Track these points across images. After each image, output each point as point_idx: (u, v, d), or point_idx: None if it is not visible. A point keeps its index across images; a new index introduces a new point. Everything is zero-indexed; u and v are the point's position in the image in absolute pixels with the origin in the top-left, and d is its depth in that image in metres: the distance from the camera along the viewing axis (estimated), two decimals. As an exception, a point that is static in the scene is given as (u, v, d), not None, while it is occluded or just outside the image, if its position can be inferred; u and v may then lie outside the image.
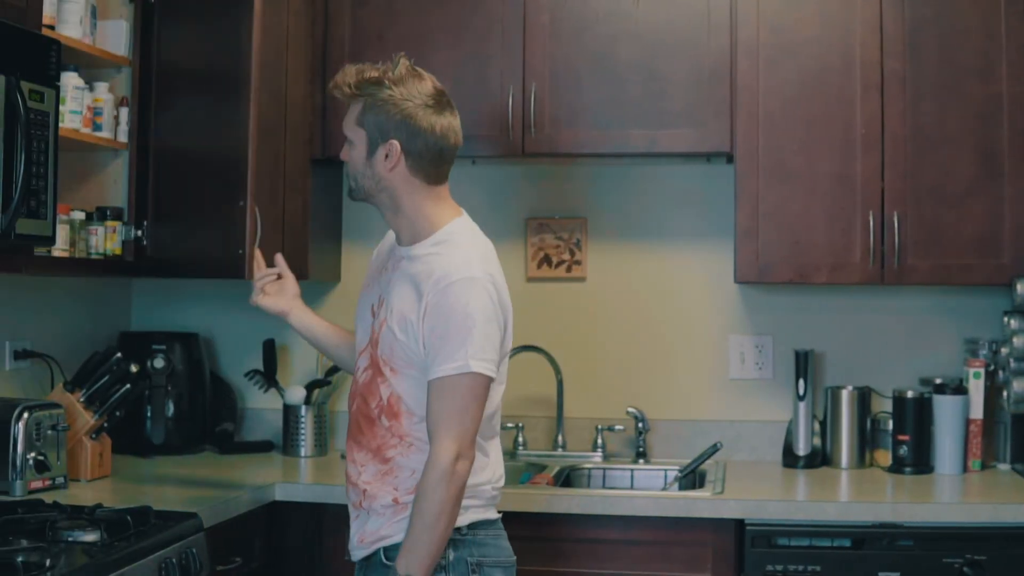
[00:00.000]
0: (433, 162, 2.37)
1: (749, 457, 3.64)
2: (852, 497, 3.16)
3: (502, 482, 2.46)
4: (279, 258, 2.73)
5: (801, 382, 3.50)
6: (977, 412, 3.39)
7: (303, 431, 3.63)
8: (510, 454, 3.65)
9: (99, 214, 3.16)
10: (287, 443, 3.66)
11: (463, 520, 2.32)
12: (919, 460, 3.39)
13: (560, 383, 3.67)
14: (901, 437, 3.41)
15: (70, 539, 2.37)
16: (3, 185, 2.48)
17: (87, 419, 3.11)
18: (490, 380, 2.30)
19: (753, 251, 3.34)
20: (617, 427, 3.64)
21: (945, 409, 3.37)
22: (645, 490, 3.44)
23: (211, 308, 3.84)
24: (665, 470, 3.54)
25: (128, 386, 3.16)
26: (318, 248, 3.61)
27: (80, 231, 3.09)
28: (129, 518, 2.46)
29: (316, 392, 3.67)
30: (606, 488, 3.53)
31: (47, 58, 2.66)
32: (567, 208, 3.76)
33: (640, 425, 3.60)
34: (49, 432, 2.93)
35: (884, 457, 3.49)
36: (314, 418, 3.65)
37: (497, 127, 3.42)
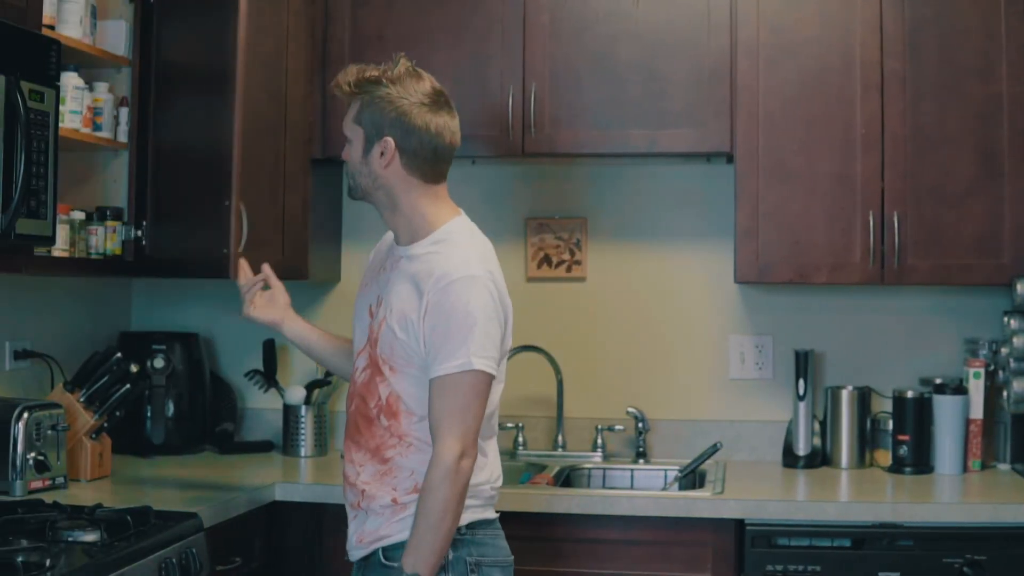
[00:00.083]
0: (428, 160, 2.38)
1: (749, 457, 3.64)
2: (852, 497, 3.16)
3: (500, 482, 2.46)
4: (266, 268, 2.70)
5: (801, 382, 3.50)
6: (977, 412, 3.39)
7: (303, 431, 3.63)
8: (510, 454, 3.65)
9: (99, 214, 3.16)
10: (287, 443, 3.66)
11: (462, 520, 2.31)
12: (919, 460, 3.39)
13: (560, 383, 3.67)
14: (901, 437, 3.41)
15: (70, 539, 2.37)
16: (3, 185, 2.48)
17: (87, 419, 3.11)
18: (491, 378, 2.31)
19: (753, 251, 3.34)
20: (617, 427, 3.64)
21: (945, 409, 3.37)
22: (645, 490, 3.44)
23: (211, 308, 3.84)
24: (665, 470, 3.54)
25: (128, 386, 3.16)
26: (318, 248, 3.61)
27: (80, 231, 3.09)
28: (129, 518, 2.46)
29: (316, 392, 3.67)
30: (606, 488, 3.53)
31: (47, 58, 2.66)
32: (567, 208, 3.76)
33: (640, 425, 3.60)
34: (49, 432, 2.93)
35: (884, 457, 3.49)
36: (314, 418, 3.65)
37: (497, 127, 3.42)
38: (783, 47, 3.34)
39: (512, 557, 2.44)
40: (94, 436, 3.13)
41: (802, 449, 3.49)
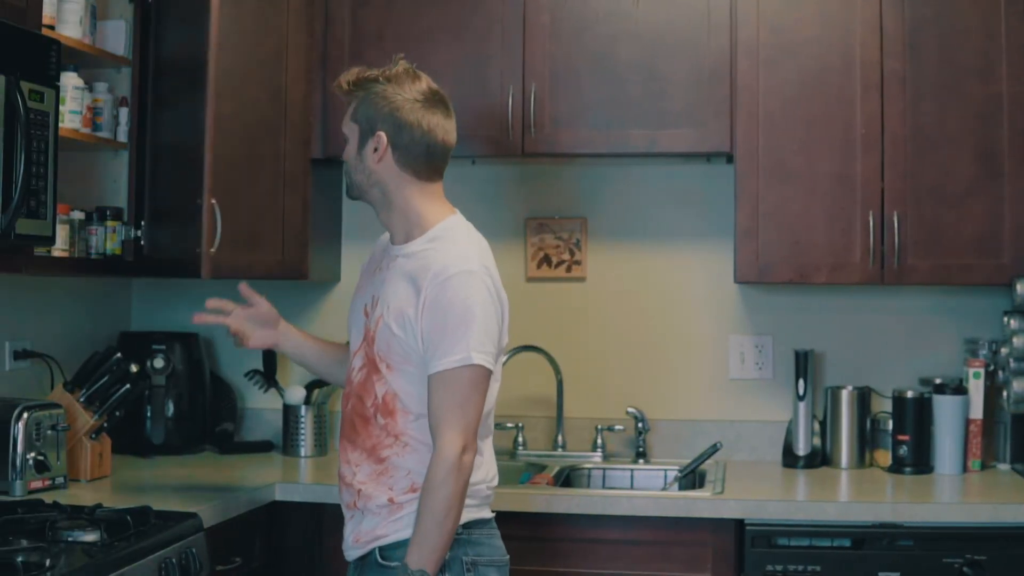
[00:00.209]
0: (421, 158, 2.39)
1: (749, 457, 3.64)
2: (852, 497, 3.16)
3: (496, 481, 2.47)
4: (244, 288, 2.66)
5: (801, 382, 3.50)
6: (977, 412, 3.39)
7: (303, 431, 3.63)
8: (510, 454, 3.65)
9: (99, 214, 3.16)
10: (287, 443, 3.66)
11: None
12: (919, 460, 3.39)
13: (560, 383, 3.67)
14: (901, 437, 3.41)
15: (70, 539, 2.37)
16: (3, 185, 2.48)
17: (87, 419, 3.11)
18: (490, 373, 2.31)
19: (753, 251, 3.34)
20: (617, 427, 3.64)
21: (945, 409, 3.37)
22: (645, 490, 3.44)
23: (211, 308, 3.84)
24: (665, 470, 3.54)
25: (128, 386, 3.16)
26: (317, 248, 3.61)
27: (80, 231, 3.09)
28: (129, 518, 2.46)
29: (316, 392, 3.67)
30: (606, 488, 3.53)
31: (47, 58, 2.66)
32: (567, 208, 3.76)
33: (640, 425, 3.60)
34: (49, 432, 2.93)
35: (884, 457, 3.49)
36: (314, 418, 3.65)
37: (497, 127, 3.42)
38: (783, 47, 3.34)
39: (508, 557, 2.44)
40: (94, 436, 3.13)
41: (802, 449, 3.49)
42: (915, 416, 3.40)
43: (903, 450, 3.40)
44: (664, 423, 3.68)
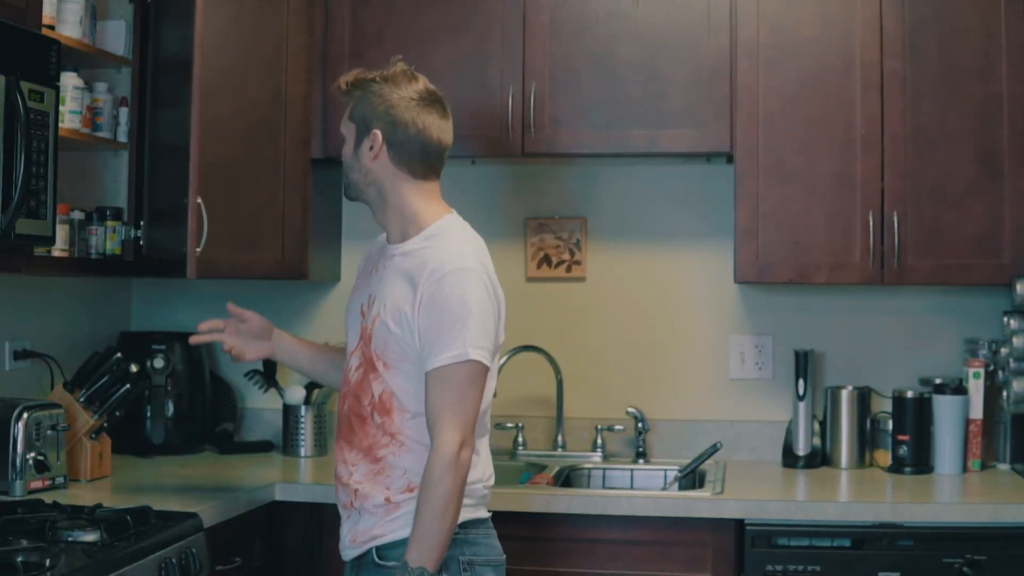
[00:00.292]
0: (416, 156, 2.40)
1: (749, 457, 3.64)
2: (852, 497, 3.16)
3: (492, 481, 2.47)
4: (231, 308, 2.69)
5: (801, 382, 3.50)
6: (977, 412, 3.39)
7: (303, 431, 3.64)
8: (510, 454, 3.65)
9: (99, 214, 3.16)
10: (287, 443, 3.66)
11: None
12: (919, 460, 3.39)
13: (560, 383, 3.67)
14: (901, 437, 3.41)
15: (70, 539, 2.37)
16: (3, 185, 2.48)
17: (87, 419, 3.11)
18: (487, 369, 2.32)
19: (753, 251, 3.34)
20: (617, 427, 3.64)
21: (945, 409, 3.37)
22: (645, 490, 3.44)
23: (211, 308, 3.83)
24: (665, 470, 3.54)
25: (128, 386, 3.16)
26: (317, 248, 3.61)
27: (80, 231, 3.09)
28: (129, 518, 2.46)
29: (316, 392, 3.67)
30: (606, 488, 3.53)
31: (47, 58, 2.66)
32: (567, 208, 3.76)
33: (640, 425, 3.60)
34: (49, 432, 2.93)
35: (884, 457, 3.49)
36: (314, 418, 3.65)
37: (497, 127, 3.42)
38: (783, 47, 3.34)
39: (504, 556, 2.44)
40: (94, 436, 3.13)
41: (802, 449, 3.49)
42: (915, 416, 3.40)
43: (903, 450, 3.40)
44: (664, 423, 3.68)
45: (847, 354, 3.63)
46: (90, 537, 2.37)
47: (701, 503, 3.01)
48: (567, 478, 3.45)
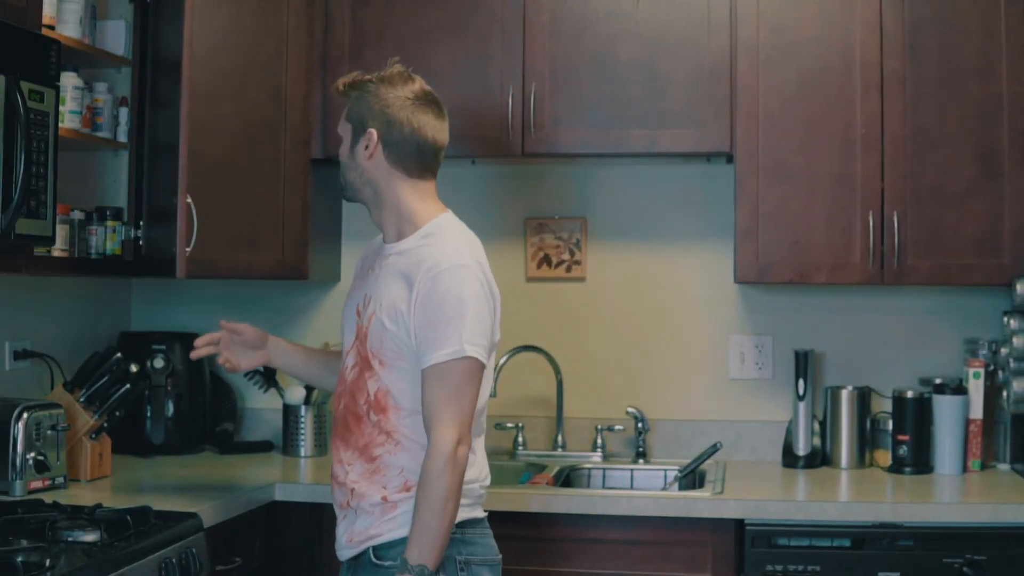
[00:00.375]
0: (411, 155, 2.41)
1: (749, 457, 3.64)
2: (852, 497, 3.16)
3: (488, 481, 2.47)
4: (224, 324, 2.70)
5: (801, 382, 3.50)
6: (977, 412, 3.39)
7: (303, 431, 3.64)
8: (510, 454, 3.65)
9: (99, 214, 3.16)
10: (287, 443, 3.66)
11: None
12: (919, 460, 3.39)
13: (560, 383, 3.67)
14: (901, 437, 3.41)
15: (70, 539, 2.37)
16: (3, 185, 2.48)
17: (87, 419, 3.11)
18: (483, 366, 2.32)
19: (753, 251, 3.34)
20: (617, 427, 3.64)
21: (945, 409, 3.37)
22: (645, 490, 3.44)
23: (211, 308, 3.84)
24: (665, 470, 3.54)
25: (128, 386, 3.16)
26: (317, 248, 3.61)
27: (80, 231, 3.09)
28: (129, 518, 2.46)
29: (316, 392, 3.67)
30: (606, 488, 3.53)
31: (47, 58, 2.66)
32: (567, 208, 3.76)
33: (640, 425, 3.60)
34: (49, 432, 2.93)
35: (884, 457, 3.49)
36: (314, 418, 3.65)
37: (497, 127, 3.42)
38: (783, 47, 3.34)
39: (500, 556, 2.44)
40: (94, 436, 3.13)
41: (802, 449, 3.49)
42: (915, 416, 3.40)
43: (903, 450, 3.40)
44: (664, 423, 3.68)
45: (847, 354, 3.63)
46: (90, 537, 2.37)
47: (701, 503, 3.01)
48: (567, 478, 3.45)
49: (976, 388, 3.40)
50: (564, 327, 3.74)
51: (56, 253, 2.96)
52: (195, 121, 2.95)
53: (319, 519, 3.13)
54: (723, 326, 3.69)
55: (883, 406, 3.53)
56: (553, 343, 3.66)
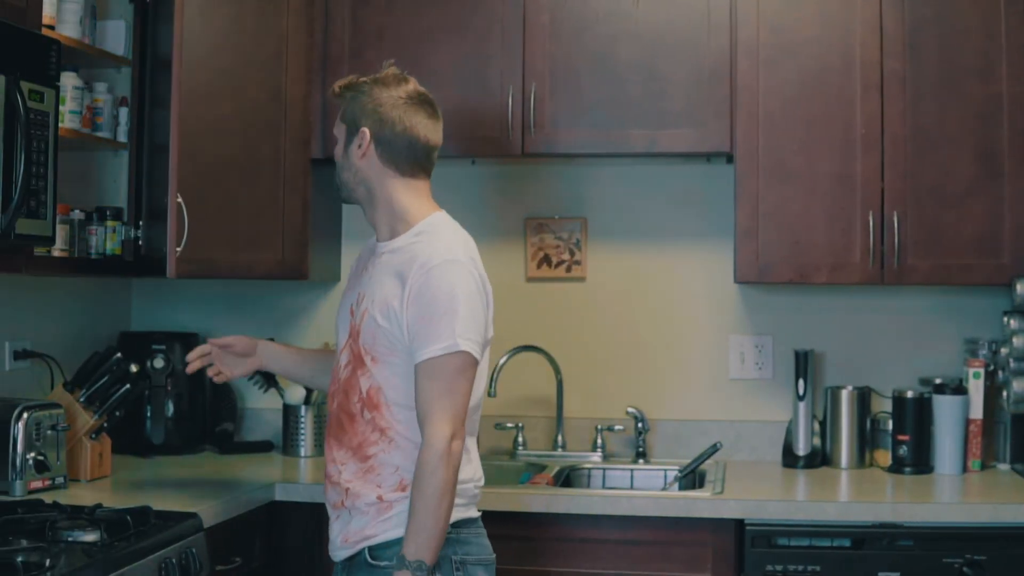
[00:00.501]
0: (403, 153, 2.43)
1: (749, 457, 3.64)
2: (852, 497, 3.16)
3: (483, 481, 2.48)
4: (212, 341, 2.76)
5: (801, 382, 3.50)
6: (977, 412, 3.39)
7: (303, 431, 3.64)
8: (510, 454, 3.65)
9: (99, 214, 3.16)
10: (287, 443, 3.66)
11: None
12: (919, 460, 3.39)
13: (560, 383, 3.67)
14: (901, 437, 3.41)
15: (70, 539, 2.37)
16: (3, 185, 2.48)
17: (87, 419, 3.11)
18: (476, 361, 2.32)
19: (753, 251, 3.34)
20: (617, 427, 3.64)
21: (945, 409, 3.37)
22: (645, 490, 3.44)
23: (211, 308, 3.84)
24: (665, 470, 3.54)
25: (128, 386, 3.16)
26: (317, 248, 3.61)
27: (80, 231, 3.09)
28: (129, 518, 2.46)
29: (316, 392, 3.67)
30: (606, 488, 3.53)
31: (47, 58, 2.66)
32: (567, 208, 3.76)
33: (640, 425, 3.60)
34: (49, 432, 2.93)
35: (884, 457, 3.49)
36: (314, 418, 3.65)
37: (497, 127, 3.42)
38: (783, 47, 3.34)
39: (494, 555, 2.45)
40: (94, 436, 3.13)
41: (802, 449, 3.49)
42: (915, 416, 3.40)
43: (903, 450, 3.40)
44: (664, 423, 3.68)
45: (847, 354, 3.63)
46: (90, 537, 2.37)
47: (701, 503, 3.01)
48: (567, 478, 3.45)
49: (976, 388, 3.40)
50: (564, 327, 3.74)
51: (56, 253, 2.97)
52: (192, 121, 2.95)
53: (319, 519, 3.12)
54: (723, 326, 3.69)
55: (883, 406, 3.53)
56: (553, 343, 3.66)
